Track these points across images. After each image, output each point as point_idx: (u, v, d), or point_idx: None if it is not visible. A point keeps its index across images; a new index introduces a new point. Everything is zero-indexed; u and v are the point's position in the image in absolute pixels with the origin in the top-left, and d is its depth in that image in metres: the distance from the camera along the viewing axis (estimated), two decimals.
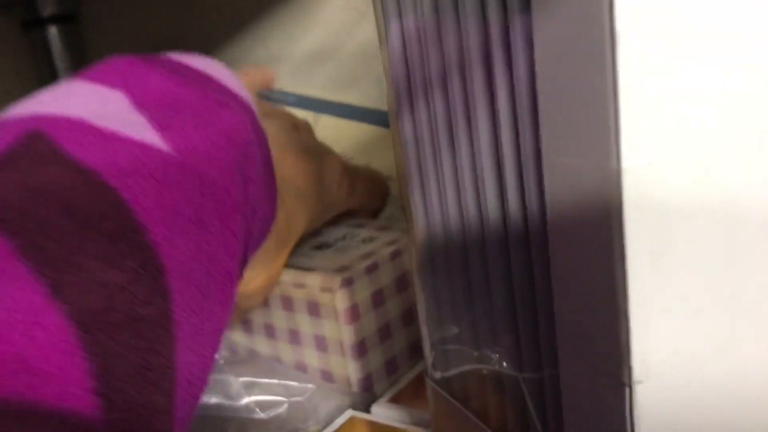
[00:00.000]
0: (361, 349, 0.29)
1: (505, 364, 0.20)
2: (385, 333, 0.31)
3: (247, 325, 0.33)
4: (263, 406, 0.29)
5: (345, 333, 0.29)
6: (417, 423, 0.27)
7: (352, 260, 0.30)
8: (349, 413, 0.29)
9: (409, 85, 0.21)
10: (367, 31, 0.41)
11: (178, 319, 0.18)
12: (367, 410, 0.29)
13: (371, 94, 0.41)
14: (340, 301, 0.28)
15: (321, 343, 0.30)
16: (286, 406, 0.29)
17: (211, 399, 0.28)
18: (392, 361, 0.31)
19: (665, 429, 0.15)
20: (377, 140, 0.40)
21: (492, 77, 0.17)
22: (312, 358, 0.31)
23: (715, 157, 0.14)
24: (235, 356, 0.33)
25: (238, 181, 0.22)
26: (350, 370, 0.29)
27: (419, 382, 0.30)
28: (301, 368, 0.32)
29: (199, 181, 0.20)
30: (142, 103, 0.21)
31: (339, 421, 0.29)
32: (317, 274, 0.29)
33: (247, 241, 0.23)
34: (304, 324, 0.30)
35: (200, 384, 0.19)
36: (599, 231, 0.14)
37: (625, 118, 0.13)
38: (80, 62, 0.60)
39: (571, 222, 0.15)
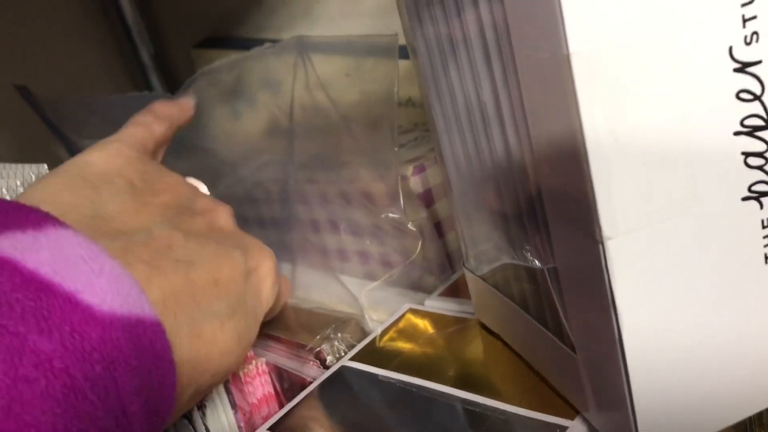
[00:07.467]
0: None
1: (534, 260, 0.22)
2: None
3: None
4: None
5: None
6: (463, 311, 0.31)
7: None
8: (407, 305, 0.33)
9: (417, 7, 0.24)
10: None
11: None
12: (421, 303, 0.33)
13: None
14: None
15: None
16: None
17: None
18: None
19: (640, 282, 0.18)
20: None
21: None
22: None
23: (651, 29, 0.16)
24: None
25: None
26: None
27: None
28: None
29: None
30: None
31: (399, 312, 0.32)
32: None
33: None
34: None
35: None
36: (562, 109, 0.17)
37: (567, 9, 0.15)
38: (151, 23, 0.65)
39: (541, 106, 0.18)
